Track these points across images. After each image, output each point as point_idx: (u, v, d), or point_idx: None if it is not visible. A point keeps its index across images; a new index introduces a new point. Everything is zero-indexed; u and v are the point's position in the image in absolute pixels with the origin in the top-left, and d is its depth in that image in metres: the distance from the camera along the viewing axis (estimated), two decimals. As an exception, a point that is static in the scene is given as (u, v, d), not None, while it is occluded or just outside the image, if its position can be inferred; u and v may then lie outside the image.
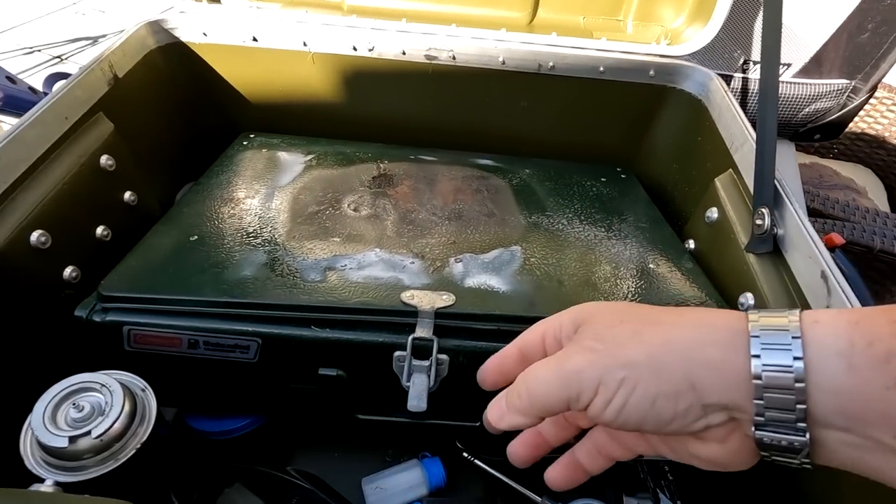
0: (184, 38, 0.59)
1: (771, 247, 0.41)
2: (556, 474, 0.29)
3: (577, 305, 0.26)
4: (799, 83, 0.90)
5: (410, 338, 0.38)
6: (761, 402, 0.19)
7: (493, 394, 0.29)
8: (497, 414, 0.27)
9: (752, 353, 0.20)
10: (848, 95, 0.94)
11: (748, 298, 0.41)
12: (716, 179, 0.50)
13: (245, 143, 0.61)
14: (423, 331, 0.38)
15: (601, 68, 0.58)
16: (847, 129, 1.00)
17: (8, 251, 0.38)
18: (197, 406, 0.46)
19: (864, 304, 0.36)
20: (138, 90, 0.55)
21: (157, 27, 0.57)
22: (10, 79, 0.65)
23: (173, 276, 0.40)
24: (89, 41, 2.08)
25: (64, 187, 0.43)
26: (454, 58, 0.58)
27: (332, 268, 0.42)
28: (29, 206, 0.40)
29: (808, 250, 0.37)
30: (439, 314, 0.39)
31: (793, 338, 0.19)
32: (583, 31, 0.62)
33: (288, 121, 0.65)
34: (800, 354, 0.19)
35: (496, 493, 0.51)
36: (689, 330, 0.22)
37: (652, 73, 0.58)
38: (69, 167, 0.44)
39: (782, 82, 0.91)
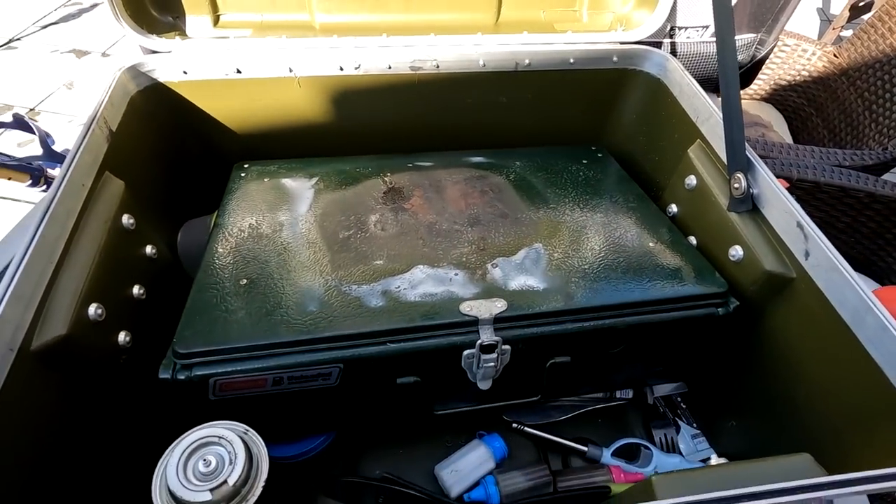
0: (162, 79, 0.57)
1: (750, 206, 0.49)
2: None
3: None
4: (715, 41, 1.01)
5: (478, 343, 0.43)
6: None
7: (538, 370, 0.40)
8: None
9: None
10: (756, 47, 1.06)
11: (737, 250, 0.49)
12: (689, 150, 0.57)
13: (243, 174, 0.61)
14: (486, 336, 0.43)
15: (571, 60, 0.64)
16: (752, 73, 1.13)
17: (73, 332, 0.38)
18: (276, 435, 0.48)
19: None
20: (130, 139, 0.53)
21: (135, 72, 0.55)
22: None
23: (243, 323, 0.42)
24: None
25: (102, 255, 0.43)
26: (438, 66, 0.61)
27: (387, 291, 0.46)
28: (78, 281, 0.40)
29: (782, 206, 0.46)
30: (497, 319, 0.44)
31: None
32: (544, 24, 0.67)
33: (277, 145, 0.65)
34: None
35: (547, 451, 0.58)
36: None
37: (615, 58, 0.65)
38: (98, 234, 0.44)
39: (703, 42, 1.01)
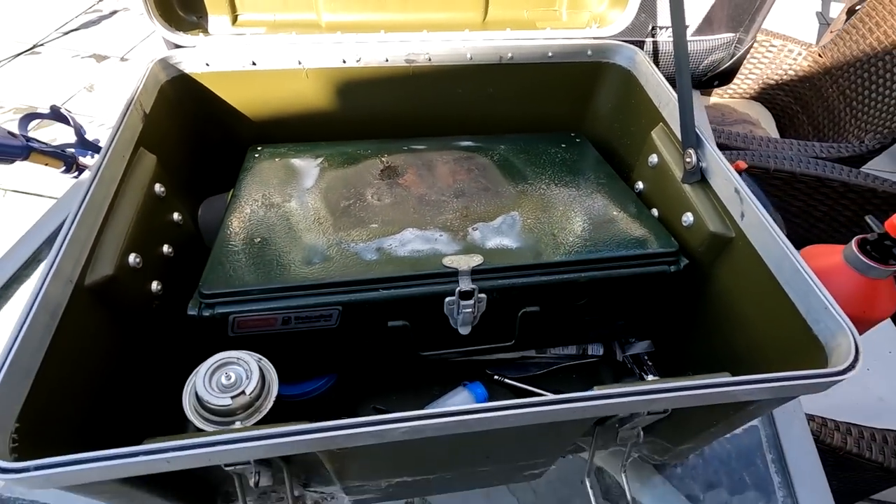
0: (187, 70, 0.65)
1: (699, 177, 0.56)
2: None
3: None
4: (696, 40, 1.08)
5: (457, 290, 0.50)
6: None
7: (511, 319, 0.45)
8: None
9: None
10: (735, 45, 1.13)
11: (689, 217, 0.56)
12: (651, 132, 0.64)
13: (257, 155, 0.69)
14: (465, 284, 0.50)
15: (550, 53, 0.71)
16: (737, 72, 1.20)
17: (118, 274, 0.46)
18: (285, 373, 0.56)
19: (766, 208, 0.52)
20: (160, 122, 0.61)
21: (164, 63, 0.63)
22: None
23: (257, 271, 0.50)
24: None
25: (138, 215, 0.51)
26: (430, 59, 0.69)
27: (381, 248, 0.53)
28: (121, 234, 0.48)
29: (723, 175, 0.53)
30: (475, 271, 0.51)
31: None
32: (527, 22, 0.75)
33: (287, 130, 0.73)
34: None
35: (525, 401, 0.65)
36: None
37: (589, 52, 0.72)
38: (136, 197, 0.52)
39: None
